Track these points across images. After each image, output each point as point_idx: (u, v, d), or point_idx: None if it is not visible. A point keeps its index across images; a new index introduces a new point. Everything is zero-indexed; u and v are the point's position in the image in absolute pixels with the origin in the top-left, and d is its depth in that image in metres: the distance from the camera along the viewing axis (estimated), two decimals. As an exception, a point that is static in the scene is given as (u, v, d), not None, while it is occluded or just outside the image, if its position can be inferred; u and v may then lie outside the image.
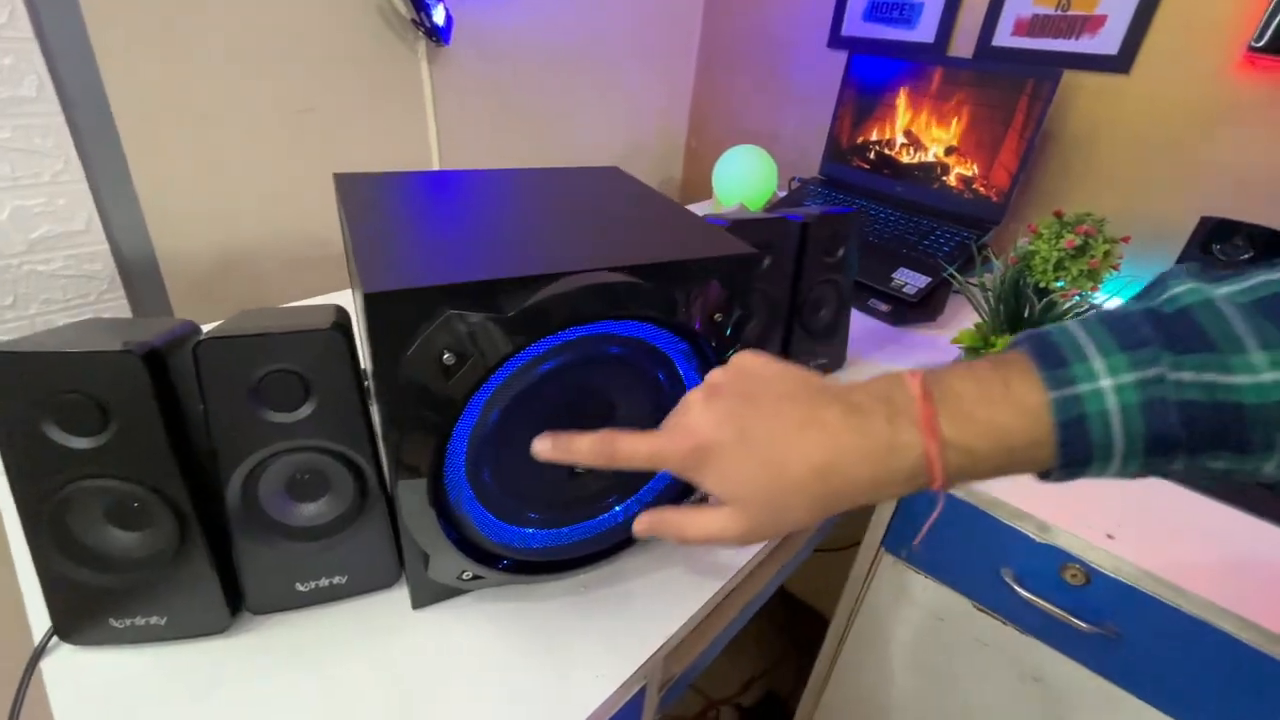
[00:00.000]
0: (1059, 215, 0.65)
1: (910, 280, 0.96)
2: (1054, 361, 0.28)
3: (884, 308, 0.97)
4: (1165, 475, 0.28)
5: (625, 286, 0.38)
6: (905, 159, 1.14)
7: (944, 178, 1.09)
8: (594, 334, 0.40)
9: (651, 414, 0.47)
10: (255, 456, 0.40)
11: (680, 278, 0.41)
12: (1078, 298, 0.63)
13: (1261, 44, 0.85)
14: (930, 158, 1.10)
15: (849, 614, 0.86)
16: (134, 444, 0.37)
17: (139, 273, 0.86)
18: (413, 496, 0.39)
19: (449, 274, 0.35)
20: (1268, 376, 0.24)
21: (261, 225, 0.93)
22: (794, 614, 1.56)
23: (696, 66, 1.55)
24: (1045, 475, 0.30)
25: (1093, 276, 0.63)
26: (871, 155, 1.19)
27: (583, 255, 0.40)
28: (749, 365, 0.35)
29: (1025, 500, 0.64)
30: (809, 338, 0.77)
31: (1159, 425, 0.26)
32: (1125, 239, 0.64)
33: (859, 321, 0.96)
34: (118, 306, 0.84)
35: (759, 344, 0.73)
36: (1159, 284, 0.29)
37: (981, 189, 1.04)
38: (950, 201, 1.08)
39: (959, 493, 0.68)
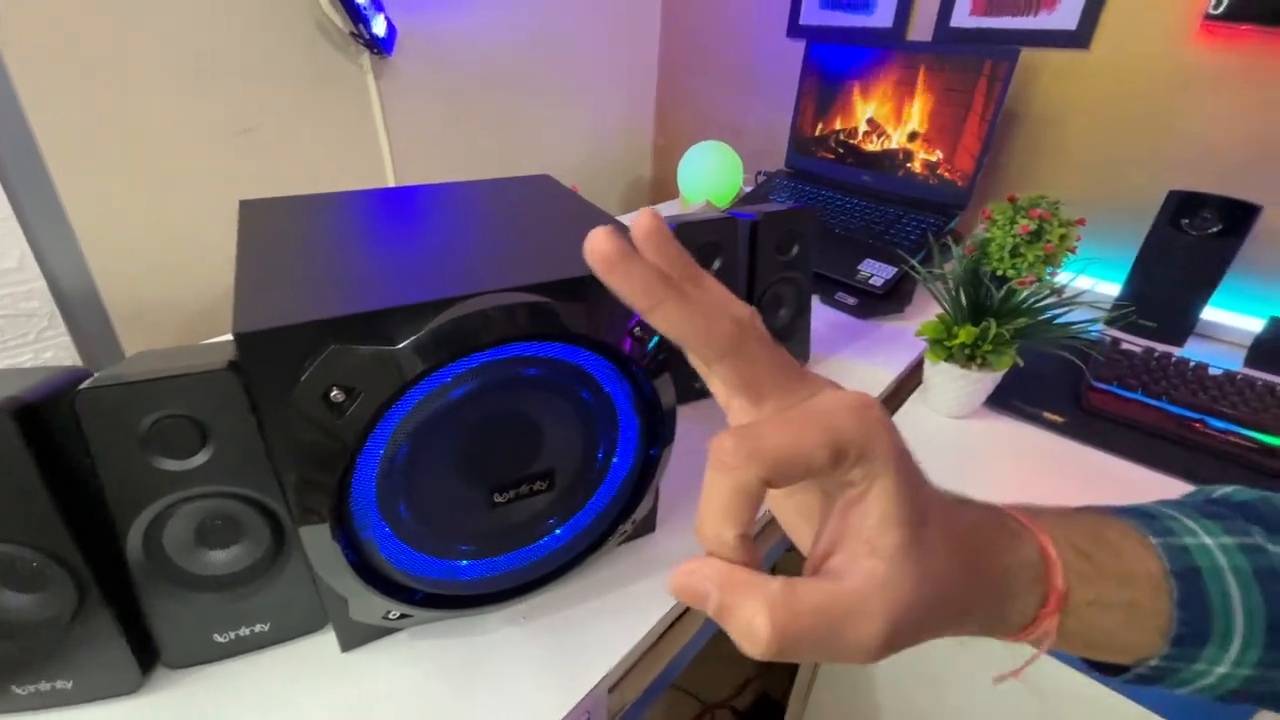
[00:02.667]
0: (1012, 200, 0.63)
1: (876, 272, 0.94)
2: (1152, 522, 0.25)
3: (851, 301, 0.95)
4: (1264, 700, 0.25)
5: (527, 308, 0.36)
6: (869, 147, 1.12)
7: (908, 164, 1.07)
8: (504, 357, 0.38)
9: (580, 435, 0.44)
10: (153, 508, 0.38)
11: (593, 293, 0.39)
12: (1039, 283, 0.61)
13: (1219, 11, 0.83)
14: (894, 145, 1.08)
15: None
16: (15, 505, 0.35)
17: (81, 308, 0.83)
18: (318, 540, 0.37)
19: (332, 306, 0.33)
20: None
21: (207, 251, 0.91)
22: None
23: (659, 64, 1.53)
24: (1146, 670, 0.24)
25: (1050, 261, 0.61)
26: (835, 145, 1.17)
27: (486, 276, 0.37)
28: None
29: (994, 496, 0.62)
30: (768, 338, 0.75)
31: (1275, 601, 0.23)
32: (1081, 221, 0.62)
33: (826, 316, 0.94)
34: (60, 344, 0.81)
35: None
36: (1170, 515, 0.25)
37: (946, 174, 1.02)
38: (916, 188, 1.06)
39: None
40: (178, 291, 0.90)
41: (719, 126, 1.46)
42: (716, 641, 1.53)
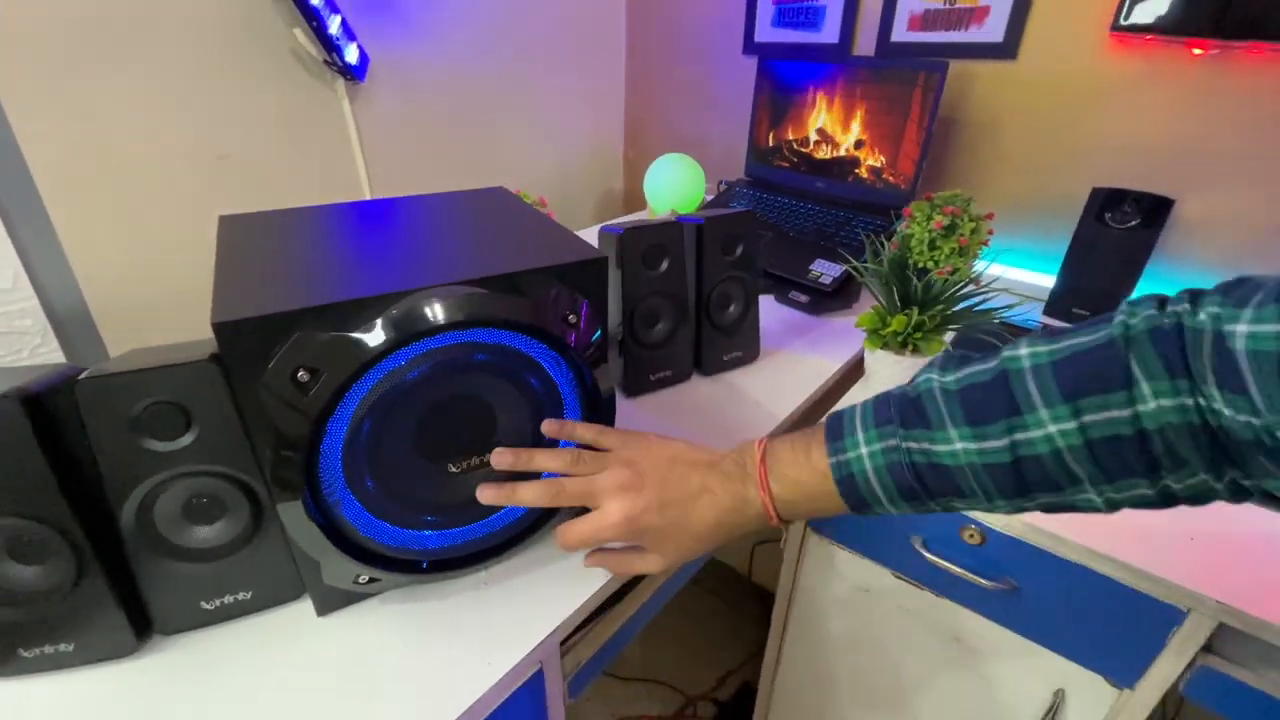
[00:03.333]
0: (929, 199, 0.69)
1: (826, 271, 1.00)
2: (835, 435, 0.42)
3: (803, 298, 1.01)
4: (929, 513, 0.41)
5: (468, 298, 0.41)
6: (820, 155, 1.19)
7: (856, 170, 1.14)
8: (454, 343, 0.43)
9: (530, 417, 0.50)
10: (144, 485, 0.42)
11: (528, 285, 0.44)
12: (956, 272, 0.67)
13: (1126, 23, 0.90)
14: (842, 152, 1.15)
15: (788, 594, 0.89)
16: (22, 483, 0.40)
17: (72, 324, 0.88)
18: (292, 508, 0.42)
19: (298, 300, 0.38)
20: (958, 446, 0.37)
21: (192, 268, 0.95)
22: (767, 609, 1.59)
23: (626, 83, 1.60)
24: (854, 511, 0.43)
25: (964, 253, 0.67)
26: (790, 154, 1.23)
27: (434, 272, 0.43)
28: (652, 450, 0.49)
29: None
30: (719, 333, 0.81)
31: (901, 481, 0.39)
32: (990, 215, 0.68)
33: (781, 313, 1.00)
34: (52, 359, 0.86)
35: (669, 343, 0.77)
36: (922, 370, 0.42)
37: (890, 178, 1.09)
38: (863, 192, 1.13)
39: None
40: (163, 307, 0.95)
41: (684, 140, 1.54)
42: (699, 637, 1.59)
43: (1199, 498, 0.33)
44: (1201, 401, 0.30)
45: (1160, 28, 0.87)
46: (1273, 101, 0.86)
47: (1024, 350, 0.35)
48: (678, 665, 1.47)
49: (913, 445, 0.38)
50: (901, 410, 0.39)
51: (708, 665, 1.47)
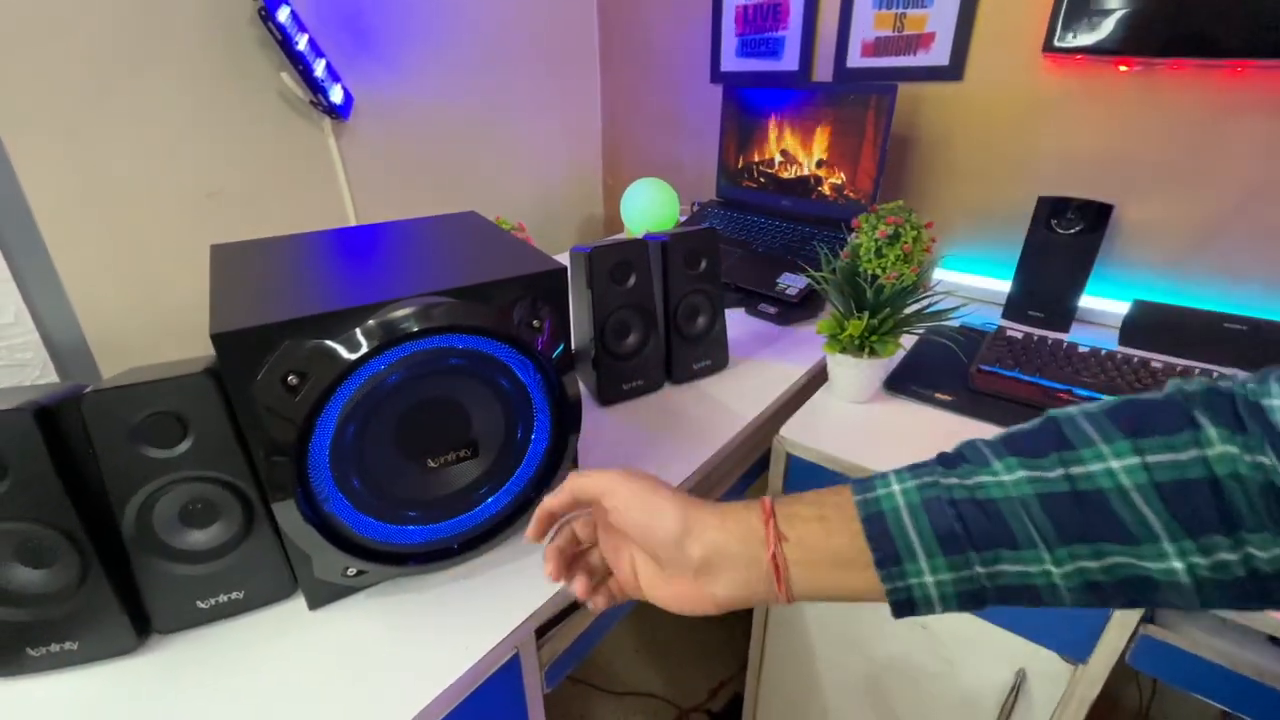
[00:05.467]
0: (874, 210, 0.74)
1: (792, 283, 1.06)
2: (863, 482, 0.35)
3: (771, 310, 1.06)
4: (984, 602, 0.32)
5: (439, 307, 0.45)
6: (785, 175, 1.25)
7: (819, 188, 1.20)
8: (429, 348, 0.47)
9: (502, 417, 0.54)
10: (144, 491, 0.46)
11: (495, 295, 0.49)
12: (900, 278, 0.72)
13: (1057, 45, 0.97)
14: (806, 171, 1.21)
15: (766, 595, 0.92)
16: (33, 490, 0.43)
17: (71, 357, 0.92)
18: (286, 506, 0.46)
19: (286, 312, 0.43)
20: (1006, 478, 0.31)
21: (187, 302, 1.00)
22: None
23: (602, 113, 1.67)
24: (893, 608, 0.33)
25: (908, 260, 0.72)
26: (757, 174, 1.30)
27: (409, 285, 0.47)
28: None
29: (871, 459, 0.72)
30: (688, 343, 0.85)
31: (940, 522, 0.32)
32: (929, 224, 0.74)
33: (751, 325, 1.05)
34: (51, 390, 0.89)
35: (640, 354, 0.81)
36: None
37: (851, 194, 1.15)
38: (826, 208, 1.19)
39: (816, 459, 0.75)
40: (159, 338, 0.99)
41: (659, 165, 1.60)
42: (691, 648, 1.60)
43: None
44: (1265, 460, 0.27)
45: (1086, 49, 0.94)
46: (1196, 111, 0.93)
47: (1071, 408, 0.33)
48: (670, 678, 1.48)
49: (954, 481, 0.32)
50: (941, 459, 0.34)
51: (700, 676, 1.48)
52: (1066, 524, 0.30)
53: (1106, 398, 0.32)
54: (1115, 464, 0.29)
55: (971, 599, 0.32)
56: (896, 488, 0.33)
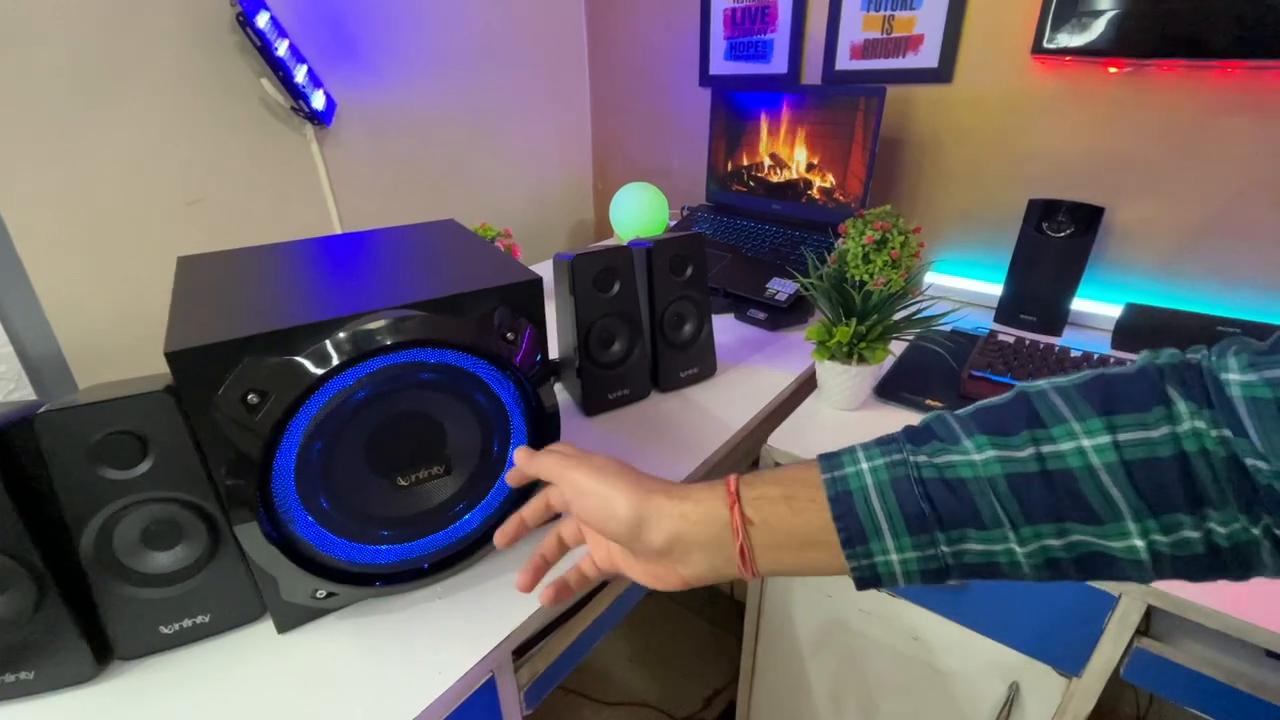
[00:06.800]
0: (860, 215, 0.73)
1: (781, 288, 1.04)
2: (830, 458, 0.35)
3: (761, 316, 1.04)
4: (946, 578, 0.32)
5: (410, 320, 0.44)
6: (774, 179, 1.24)
7: (809, 191, 1.19)
8: (399, 362, 0.46)
9: (478, 431, 0.52)
10: (103, 513, 0.44)
11: (469, 306, 0.47)
12: (889, 283, 0.71)
13: (1046, 46, 0.96)
14: (795, 175, 1.20)
15: (757, 604, 0.91)
16: (-16, 514, 0.42)
17: (47, 370, 0.90)
18: (249, 528, 0.44)
19: (246, 327, 0.41)
20: (976, 457, 0.31)
21: (166, 311, 0.98)
22: (754, 624, 1.59)
23: (591, 118, 1.66)
24: (857, 583, 0.33)
25: (896, 265, 0.71)
26: (747, 178, 1.29)
27: (379, 297, 0.46)
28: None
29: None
30: (675, 351, 0.84)
31: (907, 501, 0.31)
32: (917, 229, 0.73)
33: (740, 331, 1.04)
34: (26, 404, 0.87)
35: (625, 362, 0.79)
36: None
37: (841, 197, 1.14)
38: (816, 212, 1.17)
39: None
40: (137, 350, 0.97)
41: (649, 169, 1.59)
42: (684, 657, 1.59)
43: (1240, 552, 0.28)
44: (1228, 434, 0.28)
45: (1075, 50, 0.93)
46: (1186, 112, 0.92)
47: (1042, 381, 0.33)
48: (663, 687, 1.47)
49: (921, 459, 0.32)
50: (909, 434, 0.34)
51: (694, 686, 1.47)
52: (1034, 504, 0.30)
53: (1079, 374, 0.32)
54: (1086, 442, 0.29)
55: (934, 575, 0.32)
56: (865, 465, 0.33)
